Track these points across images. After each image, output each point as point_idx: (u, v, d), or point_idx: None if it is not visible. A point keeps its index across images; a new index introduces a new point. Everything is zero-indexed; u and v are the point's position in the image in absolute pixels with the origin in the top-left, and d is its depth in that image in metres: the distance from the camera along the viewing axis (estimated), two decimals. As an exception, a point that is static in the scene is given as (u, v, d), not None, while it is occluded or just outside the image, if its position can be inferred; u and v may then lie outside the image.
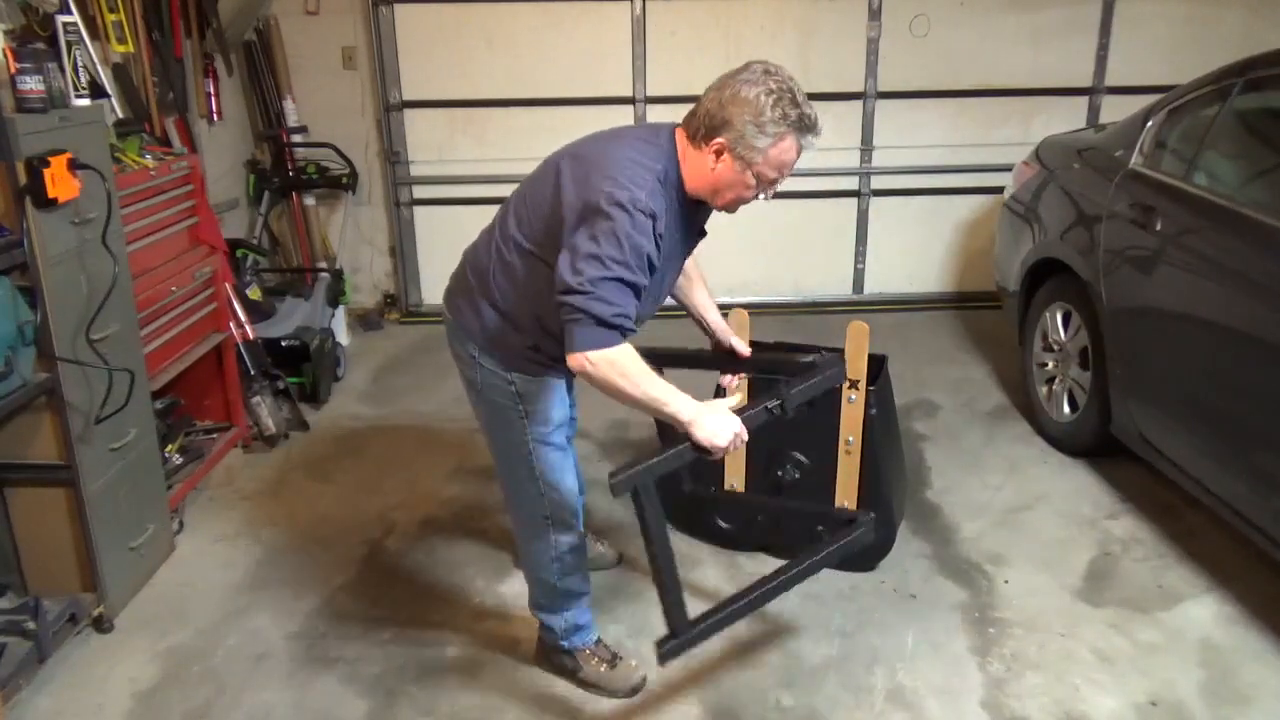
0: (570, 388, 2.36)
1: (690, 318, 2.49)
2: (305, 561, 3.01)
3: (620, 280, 1.85)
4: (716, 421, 1.95)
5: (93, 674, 2.51)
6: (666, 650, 2.12)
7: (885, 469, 2.76)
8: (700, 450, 1.97)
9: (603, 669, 2.44)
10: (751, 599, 2.26)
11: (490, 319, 2.12)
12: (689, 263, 2.29)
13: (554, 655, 2.47)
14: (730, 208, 2.04)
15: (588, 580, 2.44)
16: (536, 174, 2.09)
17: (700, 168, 1.96)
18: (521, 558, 2.44)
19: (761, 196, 2.00)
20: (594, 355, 1.86)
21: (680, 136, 1.99)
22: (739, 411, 2.01)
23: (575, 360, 1.88)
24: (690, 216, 2.07)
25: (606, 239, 1.85)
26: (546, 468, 2.23)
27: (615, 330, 1.86)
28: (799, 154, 1.94)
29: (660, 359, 2.25)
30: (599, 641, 2.49)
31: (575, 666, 2.45)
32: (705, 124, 1.92)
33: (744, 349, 2.48)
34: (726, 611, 2.22)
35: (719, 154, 1.92)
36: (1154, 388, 3.05)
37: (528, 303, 2.07)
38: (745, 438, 1.98)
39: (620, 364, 1.88)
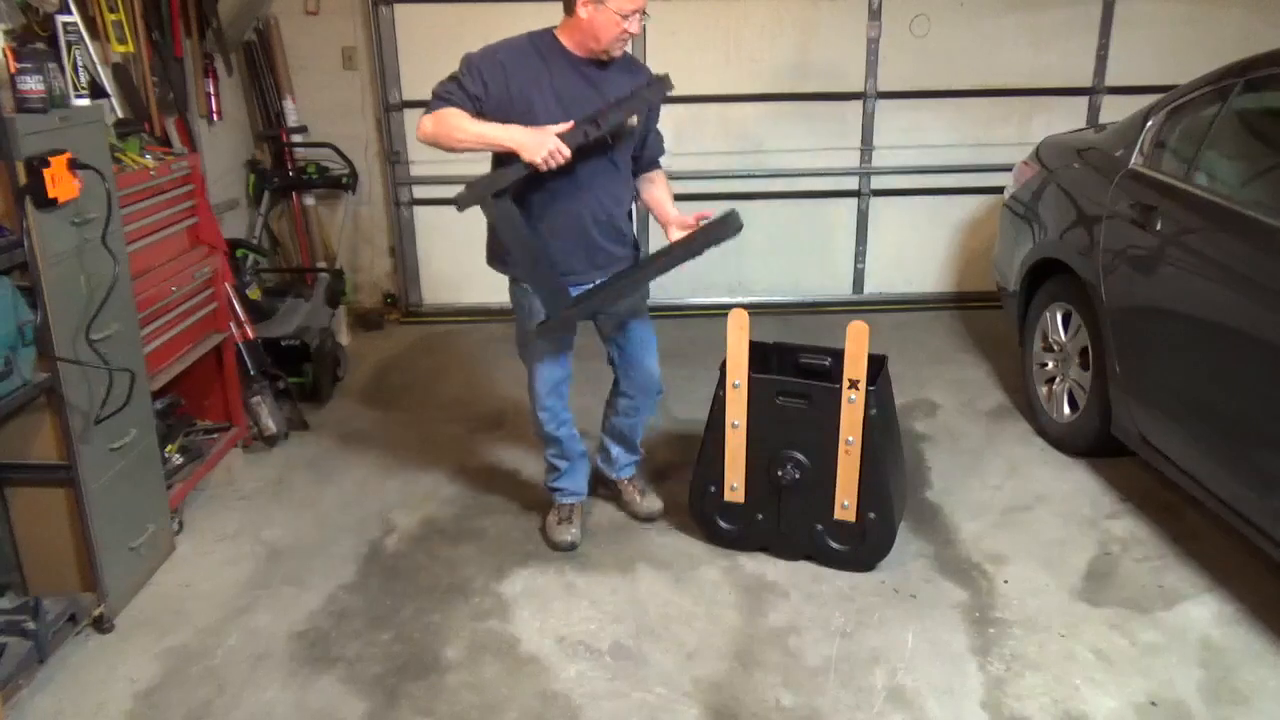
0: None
1: (652, 215, 2.92)
2: (305, 561, 3.01)
3: (451, 78, 2.58)
4: (534, 137, 2.47)
5: (93, 674, 2.51)
6: (543, 329, 2.73)
7: (885, 469, 2.77)
8: (531, 165, 2.49)
9: (552, 520, 3.08)
10: (617, 286, 2.74)
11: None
12: (657, 173, 2.88)
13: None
14: (614, 46, 2.58)
15: (560, 457, 3.05)
16: None
17: (578, 27, 2.56)
18: None
19: (634, 26, 2.54)
20: (426, 117, 2.55)
21: (560, 27, 2.63)
22: (561, 135, 2.49)
23: (418, 130, 2.56)
24: (578, 81, 2.62)
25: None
26: (529, 358, 2.91)
27: (441, 100, 2.54)
28: None
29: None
30: (568, 506, 3.08)
31: (545, 511, 3.13)
32: None
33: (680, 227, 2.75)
34: (591, 300, 2.73)
35: (585, 5, 2.51)
36: (1154, 388, 3.05)
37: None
38: (566, 153, 2.48)
39: (445, 116, 2.52)
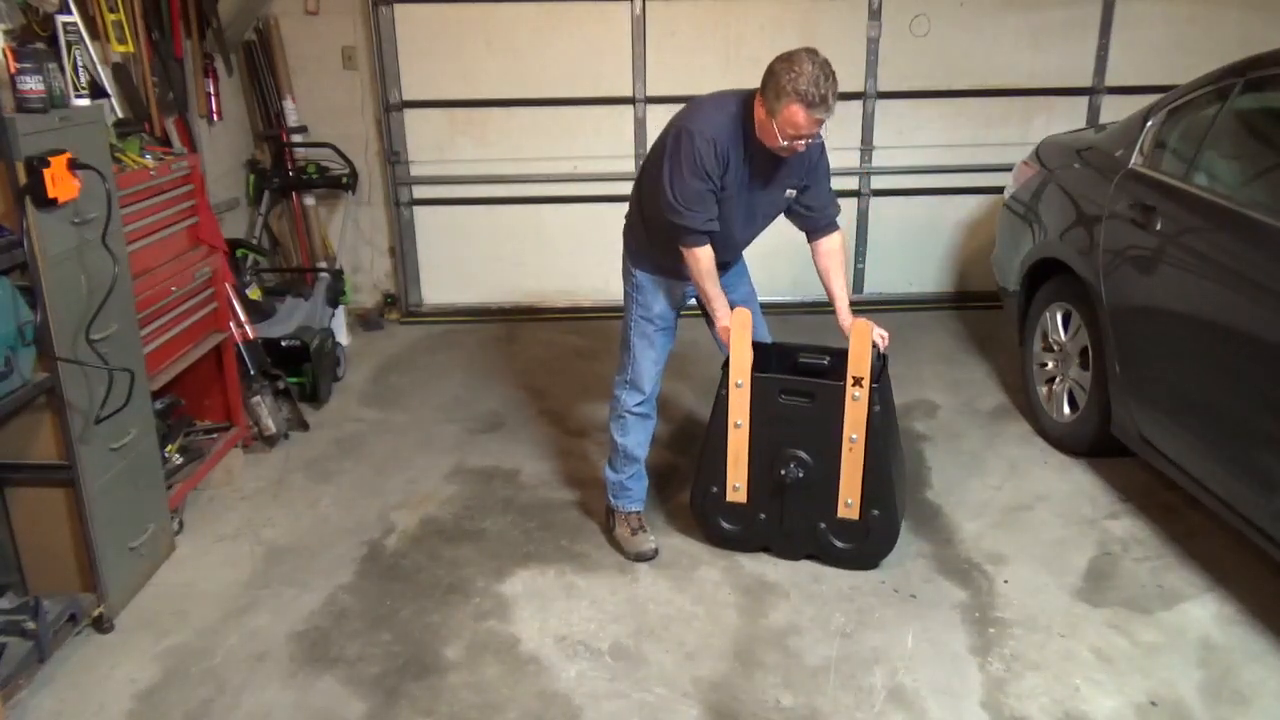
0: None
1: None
2: (305, 561, 3.01)
3: (701, 194, 2.63)
4: (726, 323, 2.78)
5: (93, 674, 2.51)
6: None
7: (888, 466, 2.77)
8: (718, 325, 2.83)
9: (626, 533, 3.01)
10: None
11: (631, 223, 2.95)
12: (837, 252, 2.92)
13: (608, 509, 3.08)
14: (780, 151, 2.60)
15: (643, 451, 3.00)
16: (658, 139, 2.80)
17: (758, 115, 2.57)
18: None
19: (799, 145, 2.56)
20: (687, 250, 2.72)
21: (756, 102, 2.58)
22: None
23: (682, 248, 2.72)
24: (763, 159, 2.66)
25: (687, 163, 2.60)
26: (636, 341, 2.93)
27: (702, 234, 2.69)
28: (806, 120, 2.47)
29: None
30: (636, 513, 3.03)
31: (611, 524, 3.07)
32: (762, 81, 2.53)
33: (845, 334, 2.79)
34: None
35: (760, 108, 2.54)
36: (1154, 388, 3.05)
37: (643, 208, 2.88)
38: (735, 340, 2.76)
39: (700, 259, 2.73)
